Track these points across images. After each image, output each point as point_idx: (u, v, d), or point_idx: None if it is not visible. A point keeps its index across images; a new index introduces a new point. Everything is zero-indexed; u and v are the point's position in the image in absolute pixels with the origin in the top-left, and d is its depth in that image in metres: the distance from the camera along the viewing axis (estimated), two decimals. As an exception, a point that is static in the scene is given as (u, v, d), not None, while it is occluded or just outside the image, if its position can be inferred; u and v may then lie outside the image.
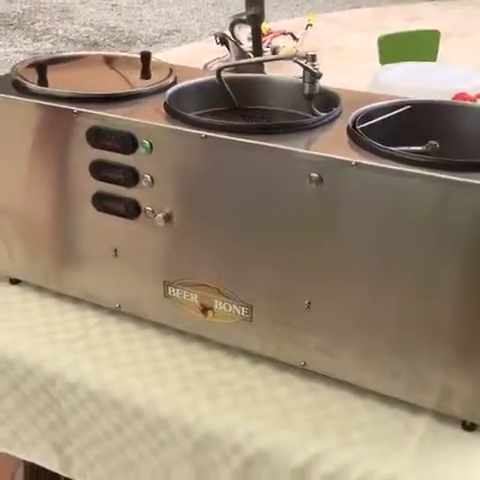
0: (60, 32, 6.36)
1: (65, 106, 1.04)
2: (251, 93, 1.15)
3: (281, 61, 1.16)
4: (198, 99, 1.12)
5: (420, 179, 0.85)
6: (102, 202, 1.07)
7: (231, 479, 0.96)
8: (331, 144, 0.97)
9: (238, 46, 2.65)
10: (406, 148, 0.93)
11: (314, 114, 1.05)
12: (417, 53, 3.17)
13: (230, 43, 2.73)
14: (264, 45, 5.56)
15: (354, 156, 0.90)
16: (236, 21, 3.90)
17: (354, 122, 0.97)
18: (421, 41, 3.32)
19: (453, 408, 0.94)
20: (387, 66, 1.51)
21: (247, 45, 5.29)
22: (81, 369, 1.06)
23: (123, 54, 1.29)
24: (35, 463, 1.17)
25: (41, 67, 1.12)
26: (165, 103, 1.04)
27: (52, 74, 1.16)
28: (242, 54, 2.61)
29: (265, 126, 1.02)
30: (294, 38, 5.81)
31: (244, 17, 3.13)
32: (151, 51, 1.21)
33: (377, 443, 0.92)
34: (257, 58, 1.11)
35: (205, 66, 3.46)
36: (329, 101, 1.06)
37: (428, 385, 0.94)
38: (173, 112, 1.01)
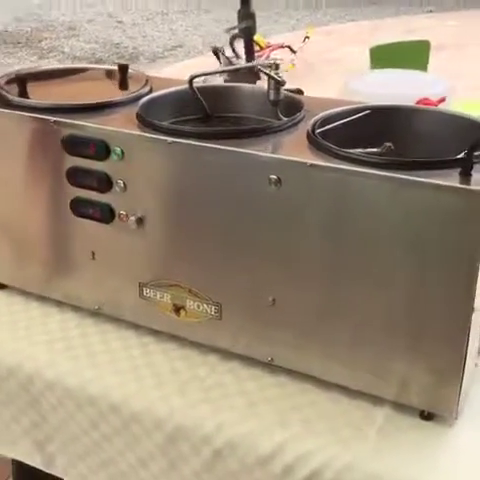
0: (66, 49, 6.48)
1: (42, 116, 1.10)
2: (223, 101, 1.20)
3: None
4: (172, 108, 1.17)
5: (370, 178, 0.90)
6: (79, 207, 1.12)
7: (201, 470, 1.00)
8: (291, 147, 1.01)
9: (228, 58, 2.70)
10: (362, 150, 0.98)
11: (279, 120, 1.10)
12: (408, 63, 3.22)
13: (220, 56, 2.78)
14: (262, 58, 5.63)
15: (310, 158, 0.94)
16: (236, 35, 3.96)
17: (313, 126, 1.02)
18: (412, 51, 3.37)
19: (411, 398, 0.98)
20: (356, 74, 1.56)
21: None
22: (59, 368, 1.11)
23: (103, 66, 1.34)
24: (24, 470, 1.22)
25: (22, 80, 1.18)
26: (137, 112, 1.09)
27: (34, 87, 1.21)
28: (231, 65, 2.66)
29: (227, 131, 1.07)
30: (292, 51, 5.88)
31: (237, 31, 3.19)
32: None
33: (338, 432, 0.96)
34: (224, 68, 1.16)
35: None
36: (294, 107, 1.11)
37: (387, 377, 0.98)
38: (143, 120, 1.07)
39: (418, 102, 1.25)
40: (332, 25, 7.65)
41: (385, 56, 3.27)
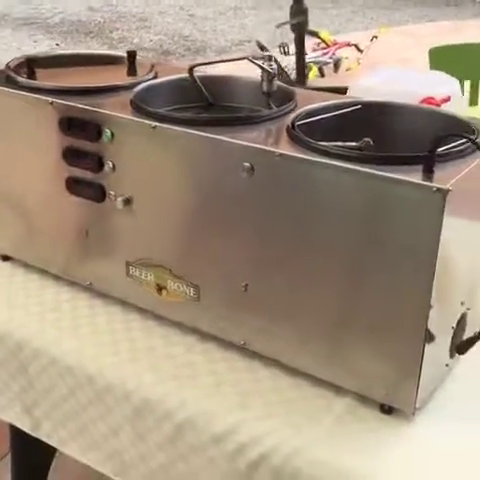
0: (135, 40, 6.62)
1: (42, 97, 1.15)
2: (222, 91, 1.23)
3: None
4: (173, 95, 1.21)
5: (334, 170, 0.91)
6: (74, 186, 1.18)
7: (165, 442, 1.04)
8: (269, 137, 1.04)
9: (270, 54, 2.73)
10: (341, 143, 0.99)
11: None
12: (466, 66, 3.17)
13: (265, 51, 2.81)
14: (327, 56, 5.60)
15: (282, 148, 0.96)
16: (292, 30, 3.97)
17: (295, 118, 1.03)
18: (471, 53, 3.30)
19: (372, 391, 0.99)
20: (370, 72, 1.56)
21: (311, 55, 5.34)
22: (45, 337, 1.16)
23: (114, 53, 1.39)
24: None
25: (30, 63, 1.24)
26: (131, 97, 1.13)
27: (45, 71, 1.28)
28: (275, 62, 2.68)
29: (211, 119, 1.09)
30: (358, 49, 5.82)
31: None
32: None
33: (294, 417, 0.98)
34: (224, 58, 1.18)
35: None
36: (287, 98, 1.13)
37: (349, 368, 0.99)
38: (134, 105, 1.11)
39: (422, 101, 1.25)
40: (410, 25, 7.58)
41: (444, 58, 3.22)
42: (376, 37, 5.57)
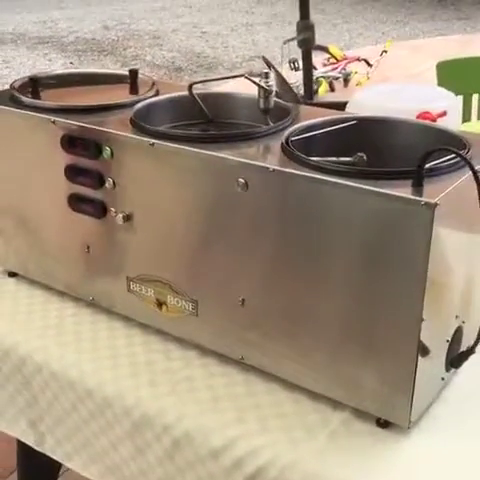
0: (148, 58, 6.68)
1: (44, 115, 1.17)
2: (222, 108, 1.25)
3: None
4: (173, 113, 1.23)
5: (326, 184, 0.92)
6: (76, 203, 1.20)
7: (164, 457, 1.05)
8: (264, 153, 1.05)
9: (276, 70, 2.75)
10: (335, 159, 1.00)
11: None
12: (474, 80, 3.17)
13: (271, 67, 2.83)
14: (337, 71, 5.62)
15: (276, 163, 0.98)
16: (299, 46, 3.97)
17: (289, 134, 1.05)
18: (479, 67, 3.31)
19: (368, 405, 0.99)
20: (366, 87, 1.57)
21: (321, 70, 5.36)
22: (47, 352, 1.18)
23: (117, 72, 1.41)
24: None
25: (34, 83, 1.26)
26: (131, 115, 1.15)
27: (49, 90, 1.30)
28: (280, 78, 2.70)
29: (208, 136, 1.11)
30: (368, 64, 5.84)
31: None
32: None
33: (290, 432, 0.99)
34: (224, 75, 1.20)
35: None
36: (284, 115, 1.14)
37: (345, 382, 1.00)
38: (134, 122, 1.13)
39: (418, 115, 1.26)
40: (419, 39, 7.60)
41: (451, 72, 3.23)
42: (386, 51, 5.58)
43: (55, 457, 1.23)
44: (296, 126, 1.08)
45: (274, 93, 1.15)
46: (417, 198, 0.86)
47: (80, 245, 1.22)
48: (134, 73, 1.33)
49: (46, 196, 1.25)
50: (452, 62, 3.28)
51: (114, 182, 1.13)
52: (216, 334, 1.12)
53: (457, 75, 3.18)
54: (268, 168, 0.96)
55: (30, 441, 1.25)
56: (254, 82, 1.13)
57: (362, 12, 8.56)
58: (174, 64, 6.40)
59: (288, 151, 1.00)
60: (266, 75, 1.15)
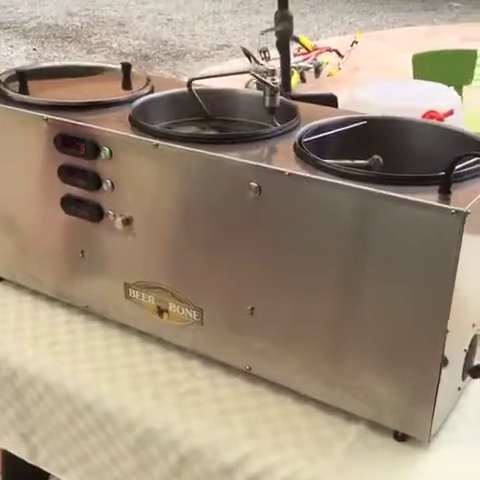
0: (114, 45, 6.55)
1: (36, 113, 1.10)
2: (221, 105, 1.19)
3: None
4: (170, 110, 1.17)
5: (346, 190, 0.88)
6: (69, 205, 1.13)
7: (169, 474, 1.00)
8: (276, 155, 1.00)
9: (256, 61, 2.69)
10: (350, 162, 0.96)
11: (275, 126, 1.09)
12: (451, 73, 3.16)
13: (251, 58, 2.77)
14: (308, 61, 5.59)
15: (290, 167, 0.93)
16: (277, 36, 3.93)
17: (301, 135, 1.00)
18: (456, 61, 3.29)
19: (385, 418, 0.96)
20: (363, 83, 1.53)
21: (292, 61, 5.33)
22: (41, 363, 1.11)
23: (108, 65, 1.35)
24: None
25: (22, 77, 1.19)
26: (130, 113, 1.09)
27: (36, 84, 1.23)
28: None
29: (215, 137, 1.06)
30: (339, 55, 5.83)
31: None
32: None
33: (306, 447, 0.95)
34: (224, 72, 1.15)
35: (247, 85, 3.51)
36: (290, 114, 1.09)
37: (361, 394, 0.96)
38: (133, 121, 1.07)
39: (424, 115, 1.22)
40: (386, 30, 7.61)
41: (427, 65, 3.21)
42: (356, 42, 5.56)
43: (49, 470, 1.18)
44: (307, 126, 1.03)
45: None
46: (447, 206, 0.82)
47: (73, 249, 1.16)
48: (127, 67, 1.27)
49: (37, 197, 1.18)
50: (428, 54, 3.27)
51: (113, 184, 1.07)
52: (222, 343, 1.07)
53: (433, 67, 3.17)
54: (284, 172, 0.91)
55: (22, 454, 1.19)
56: (260, 79, 1.08)
57: (329, 2, 8.52)
58: (141, 52, 6.29)
59: (302, 153, 0.96)
60: (272, 72, 1.10)
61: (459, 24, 7.48)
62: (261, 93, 1.13)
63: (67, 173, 1.11)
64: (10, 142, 1.17)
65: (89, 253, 1.15)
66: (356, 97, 1.38)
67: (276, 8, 2.90)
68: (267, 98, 1.10)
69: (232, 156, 0.96)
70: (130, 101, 1.15)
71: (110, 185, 1.07)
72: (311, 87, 4.95)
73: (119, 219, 1.07)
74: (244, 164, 0.95)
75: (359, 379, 0.95)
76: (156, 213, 1.06)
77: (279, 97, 1.10)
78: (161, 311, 1.10)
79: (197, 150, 0.98)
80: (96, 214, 1.10)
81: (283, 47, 3.19)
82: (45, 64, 1.40)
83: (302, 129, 1.03)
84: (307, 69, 5.30)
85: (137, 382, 1.06)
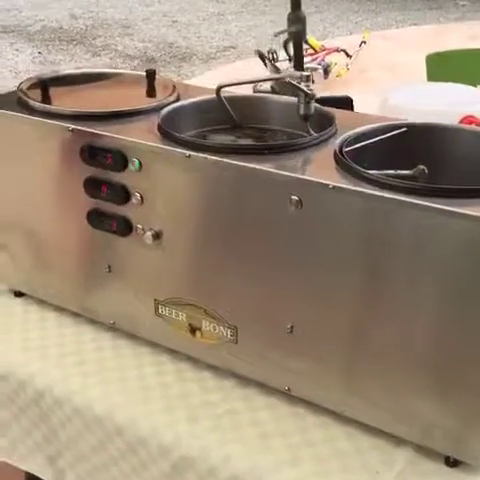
0: (119, 48, 6.51)
1: (61, 123, 1.06)
2: (252, 112, 1.14)
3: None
4: (197, 118, 1.12)
5: (394, 204, 0.83)
6: (96, 219, 1.08)
7: (207, 502, 0.95)
8: (316, 166, 0.96)
9: (273, 63, 2.65)
10: (393, 172, 0.91)
11: (310, 134, 1.04)
12: (467, 73, 3.10)
13: (266, 60, 2.73)
14: (316, 62, 5.55)
15: (334, 179, 0.88)
16: (289, 39, 3.89)
17: (342, 144, 0.95)
18: (472, 61, 3.24)
19: (435, 443, 0.91)
20: (397, 88, 1.48)
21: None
22: (68, 384, 1.07)
23: (130, 72, 1.30)
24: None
25: (44, 85, 1.14)
26: (158, 122, 1.05)
27: (58, 92, 1.19)
28: (276, 71, 2.60)
29: (250, 147, 1.01)
30: (347, 55, 5.79)
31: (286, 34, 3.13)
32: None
33: (354, 473, 0.90)
34: (253, 78, 1.11)
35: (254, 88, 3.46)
36: (326, 121, 1.05)
37: (411, 417, 0.91)
38: (162, 131, 1.02)
39: (462, 120, 1.17)
40: (392, 29, 7.55)
41: (442, 64, 3.15)
42: (364, 42, 5.52)
43: (75, 495, 1.13)
44: (346, 135, 0.98)
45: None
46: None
47: (100, 264, 1.11)
48: (152, 74, 1.22)
49: (61, 211, 1.14)
50: (443, 54, 3.21)
51: (142, 197, 1.02)
52: (258, 363, 1.02)
53: (448, 67, 3.11)
54: (328, 185, 0.87)
55: (48, 478, 1.14)
56: (296, 86, 1.04)
57: (334, 1, 8.47)
58: (147, 54, 6.24)
59: (344, 164, 0.91)
60: (307, 78, 1.05)
61: (466, 22, 7.42)
62: (293, 99, 1.09)
63: (94, 186, 1.06)
64: (32, 153, 1.13)
65: (116, 268, 1.10)
66: (390, 102, 1.33)
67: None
68: (301, 105, 1.05)
69: (270, 167, 0.91)
70: (157, 109, 1.10)
71: (139, 198, 1.03)
72: (321, 88, 4.90)
73: (149, 233, 1.03)
74: (284, 176, 0.90)
75: (408, 402, 0.90)
76: (188, 227, 1.02)
77: (314, 105, 1.06)
78: (193, 329, 1.05)
79: (232, 161, 0.93)
80: (125, 228, 1.06)
81: (297, 48, 3.14)
82: (67, 71, 1.35)
83: (340, 138, 0.98)
84: (315, 70, 5.26)
85: (170, 404, 1.02)
